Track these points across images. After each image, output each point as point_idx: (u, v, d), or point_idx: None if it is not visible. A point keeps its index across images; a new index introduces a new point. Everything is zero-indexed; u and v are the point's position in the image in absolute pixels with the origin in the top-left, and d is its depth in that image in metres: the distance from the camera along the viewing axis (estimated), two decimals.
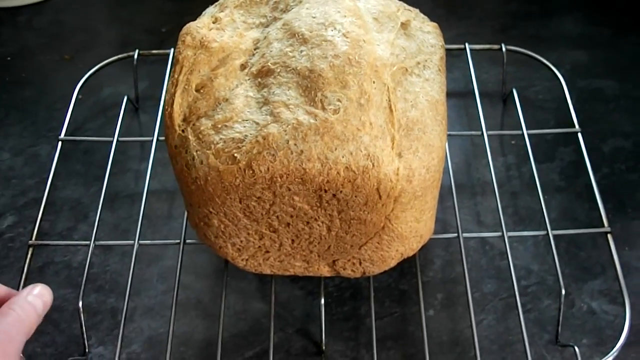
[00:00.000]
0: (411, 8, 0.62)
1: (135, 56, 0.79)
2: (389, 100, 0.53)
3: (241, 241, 0.57)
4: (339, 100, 0.51)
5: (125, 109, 0.75)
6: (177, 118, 0.54)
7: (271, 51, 0.55)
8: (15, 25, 0.89)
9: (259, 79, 0.54)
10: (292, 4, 0.59)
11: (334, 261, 0.59)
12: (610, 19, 0.89)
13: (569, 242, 0.68)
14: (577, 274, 0.66)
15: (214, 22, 0.59)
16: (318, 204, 0.53)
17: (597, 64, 0.83)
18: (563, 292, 0.59)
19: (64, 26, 0.90)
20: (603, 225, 0.65)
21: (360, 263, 0.59)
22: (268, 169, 0.50)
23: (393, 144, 0.52)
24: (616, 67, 0.83)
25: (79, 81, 0.78)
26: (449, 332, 0.63)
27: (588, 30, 0.87)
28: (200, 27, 0.58)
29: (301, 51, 0.54)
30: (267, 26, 0.58)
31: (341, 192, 0.52)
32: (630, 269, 0.66)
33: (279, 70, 0.53)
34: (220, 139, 0.51)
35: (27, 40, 0.88)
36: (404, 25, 0.59)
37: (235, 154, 0.51)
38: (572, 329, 0.63)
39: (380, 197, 0.52)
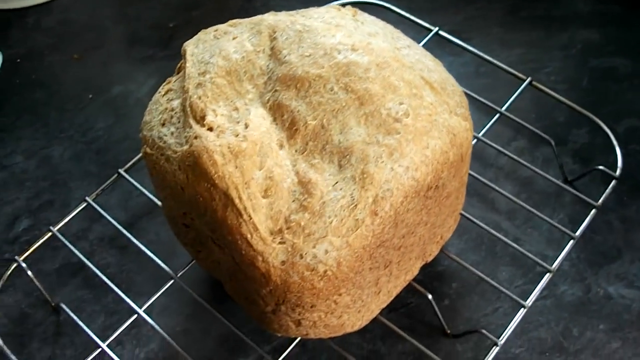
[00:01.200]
0: None
1: None
2: (422, 77, 0.53)
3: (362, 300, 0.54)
4: (401, 104, 0.50)
5: None
6: (268, 238, 0.48)
7: (299, 112, 0.50)
8: (24, 26, 0.89)
9: (311, 142, 0.50)
10: (270, 64, 0.53)
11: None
12: None
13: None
14: (592, 259, 0.66)
15: (215, 122, 0.51)
16: (422, 205, 0.52)
17: (610, 43, 0.81)
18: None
19: (72, 25, 0.90)
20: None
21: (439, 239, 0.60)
22: (390, 205, 0.48)
23: (449, 107, 0.53)
24: (628, 45, 0.81)
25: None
26: (465, 321, 0.63)
27: (598, 8, 0.85)
28: (215, 140, 0.49)
29: (327, 87, 0.50)
30: (262, 95, 0.52)
31: (441, 177, 0.51)
32: None
33: (324, 123, 0.49)
34: (329, 217, 0.47)
35: (35, 41, 0.88)
36: None
37: (357, 217, 0.47)
38: (589, 315, 0.63)
39: (462, 158, 0.53)
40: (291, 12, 0.58)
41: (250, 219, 0.47)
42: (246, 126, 0.50)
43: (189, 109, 0.52)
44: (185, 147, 0.50)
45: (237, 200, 0.47)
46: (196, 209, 0.51)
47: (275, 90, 0.51)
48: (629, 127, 0.74)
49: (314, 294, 0.48)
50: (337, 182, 0.48)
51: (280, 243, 0.47)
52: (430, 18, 0.79)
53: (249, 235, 0.47)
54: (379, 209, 0.47)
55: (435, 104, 0.51)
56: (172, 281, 0.62)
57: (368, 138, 0.49)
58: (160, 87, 0.57)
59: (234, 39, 0.55)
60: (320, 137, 0.49)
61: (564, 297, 0.64)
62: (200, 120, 0.51)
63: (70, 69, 0.85)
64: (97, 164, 0.75)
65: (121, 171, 0.69)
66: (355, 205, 0.47)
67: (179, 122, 0.53)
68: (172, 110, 0.54)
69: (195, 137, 0.50)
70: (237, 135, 0.49)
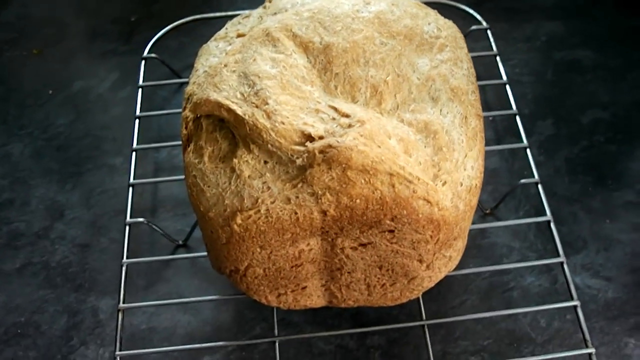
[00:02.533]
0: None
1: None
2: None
3: None
4: (429, 24, 0.55)
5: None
6: (437, 187, 0.49)
7: (373, 77, 0.51)
8: None
9: (398, 95, 0.52)
10: (310, 58, 0.53)
11: None
12: None
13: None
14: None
15: (318, 130, 0.48)
16: None
17: (574, 35, 0.82)
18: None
19: (31, 20, 0.88)
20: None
21: None
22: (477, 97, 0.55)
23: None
24: (592, 37, 0.82)
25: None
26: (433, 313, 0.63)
27: (562, 0, 0.86)
28: (340, 139, 0.47)
29: (377, 43, 0.53)
30: (326, 87, 0.52)
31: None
32: (612, 241, 0.66)
33: (398, 72, 0.52)
34: (457, 138, 0.51)
35: None
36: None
37: (470, 124, 0.52)
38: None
39: None
40: (268, 5, 0.57)
41: (419, 179, 0.48)
42: (344, 115, 0.49)
43: (282, 141, 0.48)
44: (315, 168, 0.47)
45: (401, 171, 0.47)
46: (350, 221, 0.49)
47: (336, 74, 0.52)
48: (593, 119, 0.74)
49: (465, 218, 0.52)
50: (440, 109, 0.51)
51: (443, 185, 0.49)
52: None
53: (426, 194, 0.48)
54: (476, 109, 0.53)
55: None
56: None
57: (432, 62, 0.53)
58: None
59: (254, 60, 0.52)
60: (402, 85, 0.52)
61: (531, 288, 0.64)
62: (302, 140, 0.48)
63: (30, 64, 0.83)
64: (57, 161, 0.73)
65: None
66: (465, 117, 0.51)
67: (282, 168, 0.49)
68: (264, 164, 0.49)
69: (321, 152, 0.47)
70: (350, 126, 0.48)
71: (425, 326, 0.59)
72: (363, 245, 0.50)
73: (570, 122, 0.73)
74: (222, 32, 0.57)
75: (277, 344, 0.58)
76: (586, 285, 0.64)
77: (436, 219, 0.48)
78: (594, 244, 0.66)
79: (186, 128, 0.52)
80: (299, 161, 0.47)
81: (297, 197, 0.47)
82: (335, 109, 0.49)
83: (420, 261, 0.52)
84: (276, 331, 0.59)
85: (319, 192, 0.47)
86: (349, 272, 0.53)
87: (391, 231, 0.49)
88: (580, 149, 0.72)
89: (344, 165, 0.46)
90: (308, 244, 0.50)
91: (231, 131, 0.50)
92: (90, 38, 0.85)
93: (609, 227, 0.67)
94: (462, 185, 0.50)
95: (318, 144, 0.47)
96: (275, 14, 0.56)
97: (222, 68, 0.52)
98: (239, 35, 0.55)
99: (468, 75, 0.54)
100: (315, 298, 0.56)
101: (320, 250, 0.51)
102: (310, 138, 0.47)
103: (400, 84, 0.52)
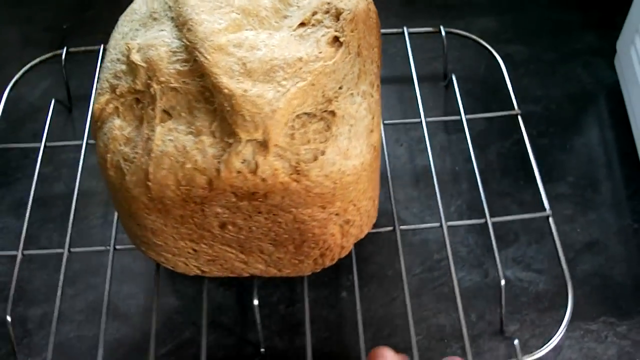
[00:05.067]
0: None
1: (64, 54, 0.75)
2: None
3: None
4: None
5: (53, 111, 0.72)
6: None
7: None
8: None
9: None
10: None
11: None
12: None
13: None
14: (489, 244, 0.66)
15: None
16: None
17: (506, 30, 0.82)
18: (502, 282, 0.59)
19: None
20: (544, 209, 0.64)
21: None
22: None
23: None
24: (525, 32, 0.82)
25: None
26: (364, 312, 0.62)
27: None
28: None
29: None
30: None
31: None
32: (544, 233, 0.66)
33: None
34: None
35: None
36: None
37: None
38: (487, 299, 0.63)
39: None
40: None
41: None
42: None
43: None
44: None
45: None
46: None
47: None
48: (525, 112, 0.74)
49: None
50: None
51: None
52: None
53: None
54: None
55: None
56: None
57: None
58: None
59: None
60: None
61: (462, 283, 0.64)
62: None
63: None
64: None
65: None
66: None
67: None
68: None
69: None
70: None
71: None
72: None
73: (505, 118, 0.73)
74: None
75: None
76: (517, 278, 0.64)
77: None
78: (525, 237, 0.66)
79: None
80: None
81: None
82: None
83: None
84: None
85: None
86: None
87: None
88: (511, 142, 0.72)
89: None
90: None
91: None
92: (21, 46, 0.84)
93: (540, 219, 0.67)
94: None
95: None
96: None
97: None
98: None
99: None
100: None
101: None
102: None
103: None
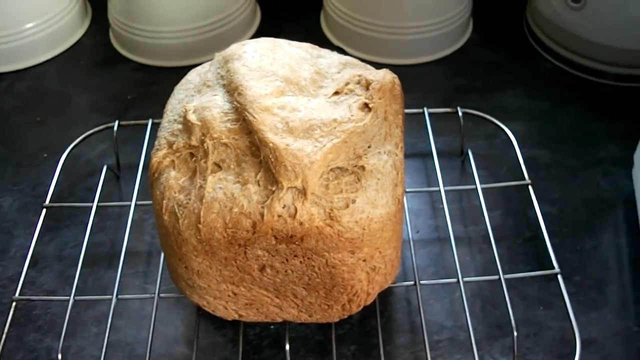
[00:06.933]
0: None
1: (115, 127, 0.81)
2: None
3: None
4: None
5: (105, 177, 0.79)
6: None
7: None
8: None
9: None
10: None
11: None
12: (551, 92, 0.94)
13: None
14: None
15: None
16: None
17: (533, 135, 0.87)
18: (515, 333, 0.62)
19: (40, 91, 0.96)
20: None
21: None
22: None
23: None
24: (551, 139, 0.87)
25: (59, 148, 0.82)
26: None
27: (527, 104, 0.92)
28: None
29: None
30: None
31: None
32: (542, 327, 0.68)
33: None
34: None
35: (4, 102, 0.95)
36: None
37: None
38: None
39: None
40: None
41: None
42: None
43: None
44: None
45: None
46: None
47: None
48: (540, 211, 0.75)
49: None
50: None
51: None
52: None
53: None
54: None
55: None
56: None
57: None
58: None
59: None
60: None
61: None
62: None
63: (32, 130, 0.90)
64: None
65: None
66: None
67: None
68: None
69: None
70: None
71: None
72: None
73: (518, 214, 0.78)
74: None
75: None
76: None
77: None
78: (524, 329, 0.68)
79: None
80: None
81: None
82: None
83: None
84: None
85: None
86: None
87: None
88: (523, 239, 0.76)
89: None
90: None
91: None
92: (88, 111, 0.93)
93: (541, 313, 0.70)
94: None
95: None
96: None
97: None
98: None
99: None
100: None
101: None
102: None
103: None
